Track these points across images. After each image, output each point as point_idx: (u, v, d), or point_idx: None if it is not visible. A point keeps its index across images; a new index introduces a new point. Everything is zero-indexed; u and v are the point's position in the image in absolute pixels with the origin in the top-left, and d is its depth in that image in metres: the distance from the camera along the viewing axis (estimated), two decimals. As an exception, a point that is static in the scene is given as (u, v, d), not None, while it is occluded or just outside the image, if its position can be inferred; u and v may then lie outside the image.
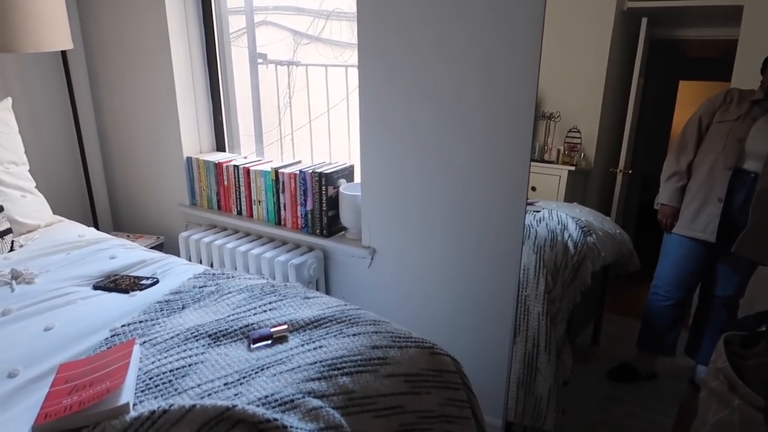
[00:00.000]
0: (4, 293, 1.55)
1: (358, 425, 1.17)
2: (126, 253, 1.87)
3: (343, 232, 2.26)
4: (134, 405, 1.09)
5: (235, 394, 1.12)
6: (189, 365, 1.21)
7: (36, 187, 2.18)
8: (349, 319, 1.41)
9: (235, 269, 2.26)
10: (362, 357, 1.30)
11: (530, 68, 1.58)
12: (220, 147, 2.66)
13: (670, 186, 2.25)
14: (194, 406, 1.03)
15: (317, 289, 2.32)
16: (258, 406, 1.08)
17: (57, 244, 1.93)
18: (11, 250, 1.90)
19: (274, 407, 1.08)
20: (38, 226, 2.10)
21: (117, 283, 1.63)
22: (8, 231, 1.92)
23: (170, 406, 1.03)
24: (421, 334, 1.42)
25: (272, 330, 1.33)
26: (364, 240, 2.13)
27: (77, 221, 2.29)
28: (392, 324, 1.42)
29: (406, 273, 2.06)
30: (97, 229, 2.30)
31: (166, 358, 1.23)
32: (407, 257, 2.03)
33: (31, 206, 2.10)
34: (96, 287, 1.63)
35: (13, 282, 1.60)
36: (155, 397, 1.11)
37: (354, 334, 1.35)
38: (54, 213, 2.25)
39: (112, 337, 1.34)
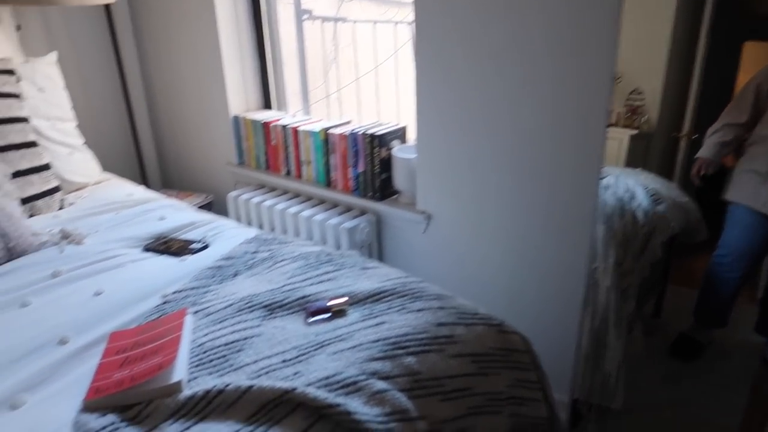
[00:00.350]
0: (53, 254, 1.51)
1: (425, 409, 1.08)
2: (175, 214, 1.81)
3: (396, 195, 2.14)
4: (188, 381, 1.02)
5: (295, 373, 1.04)
6: (244, 339, 1.13)
7: (84, 144, 2.13)
8: (412, 293, 1.30)
9: (285, 233, 2.19)
10: (428, 335, 1.20)
11: (609, 24, 1.40)
12: (267, 105, 2.56)
13: (712, 141, 2.21)
14: (251, 386, 0.95)
15: (370, 255, 2.23)
16: (319, 387, 0.99)
17: (106, 203, 1.88)
18: (60, 208, 1.86)
19: (336, 389, 1.00)
20: (87, 183, 2.06)
21: (168, 246, 1.57)
22: (56, 189, 1.88)
23: (226, 386, 0.95)
24: (478, 305, 1.31)
25: (330, 303, 1.24)
26: (419, 204, 2.02)
27: (127, 179, 2.25)
28: (457, 299, 1.31)
29: (463, 240, 1.94)
30: (147, 186, 2.25)
31: (219, 330, 1.15)
32: (465, 224, 1.91)
33: (80, 163, 2.05)
34: (146, 249, 1.57)
35: (63, 242, 1.55)
36: (209, 374, 1.04)
37: (418, 310, 1.25)
38: (103, 170, 2.21)
39: (163, 304, 1.28)
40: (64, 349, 1.13)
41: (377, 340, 1.15)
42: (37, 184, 1.81)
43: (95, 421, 0.92)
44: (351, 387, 1.01)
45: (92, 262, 1.47)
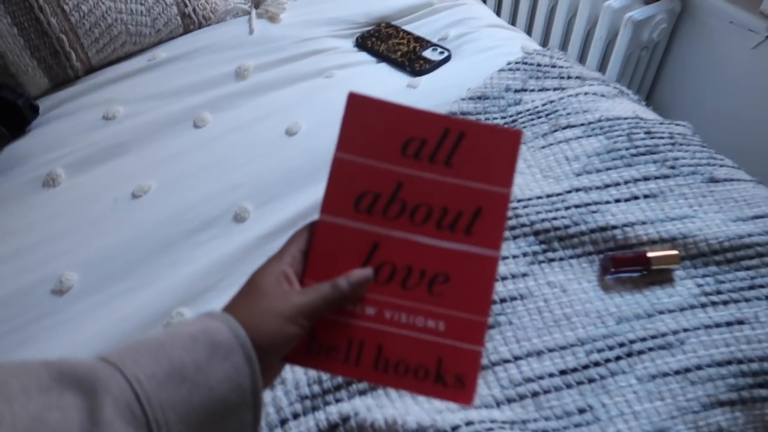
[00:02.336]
0: (240, 33, 1.07)
1: None
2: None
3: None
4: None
5: (580, 410, 0.61)
6: (501, 301, 0.68)
7: None
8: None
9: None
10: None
11: None
12: None
13: None
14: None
15: (649, 61, 1.52)
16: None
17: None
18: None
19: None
20: None
21: (390, 47, 1.05)
22: None
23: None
24: None
25: (651, 254, 0.71)
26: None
27: None
28: None
29: None
30: None
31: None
32: None
33: None
34: (359, 45, 1.07)
35: (254, 14, 1.09)
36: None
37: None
38: None
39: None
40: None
41: (729, 362, 0.65)
42: None
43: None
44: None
45: (288, 59, 1.02)
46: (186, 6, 1.06)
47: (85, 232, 0.77)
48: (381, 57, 1.04)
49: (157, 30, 1.04)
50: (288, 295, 0.41)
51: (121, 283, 0.72)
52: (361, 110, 0.46)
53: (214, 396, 0.35)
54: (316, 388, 0.62)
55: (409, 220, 0.45)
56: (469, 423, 0.58)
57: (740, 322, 0.67)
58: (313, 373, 0.63)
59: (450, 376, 0.43)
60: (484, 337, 0.44)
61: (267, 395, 0.62)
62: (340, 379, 0.63)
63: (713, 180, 0.80)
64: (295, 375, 0.63)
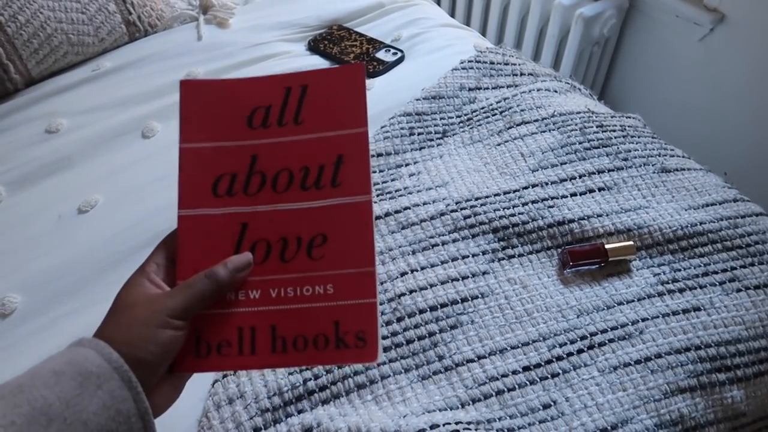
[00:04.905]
0: (188, 39, 1.04)
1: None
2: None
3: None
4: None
5: (544, 406, 0.60)
6: (462, 300, 0.68)
7: None
8: (754, 241, 0.73)
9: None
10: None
11: None
12: None
13: None
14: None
15: (601, 56, 1.55)
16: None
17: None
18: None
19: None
20: None
21: (343, 49, 1.03)
22: None
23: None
24: None
25: (609, 246, 0.71)
26: (713, -3, 1.27)
27: None
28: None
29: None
30: None
31: (425, 271, 0.70)
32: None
33: None
34: (311, 48, 1.06)
35: (201, 20, 1.07)
36: (405, 370, 0.63)
37: (759, 285, 0.70)
38: None
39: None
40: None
41: (688, 349, 0.65)
42: None
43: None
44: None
45: (238, 65, 1.00)
46: (130, 14, 1.03)
47: (28, 251, 0.74)
48: (334, 60, 1.03)
49: (101, 39, 1.00)
50: (155, 300, 0.38)
51: (67, 304, 0.68)
52: (196, 95, 0.44)
53: (90, 429, 0.33)
54: (276, 400, 0.60)
55: (273, 191, 0.43)
56: (434, 426, 0.57)
57: (696, 309, 0.68)
58: (273, 385, 0.61)
59: (350, 337, 0.41)
60: (376, 288, 0.42)
61: (226, 410, 0.60)
62: (301, 389, 0.61)
63: (665, 170, 0.81)
64: (254, 387, 0.61)
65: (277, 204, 0.43)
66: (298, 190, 0.43)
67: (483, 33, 1.63)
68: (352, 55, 1.02)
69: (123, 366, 0.35)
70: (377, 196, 0.79)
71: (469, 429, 0.57)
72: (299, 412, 0.60)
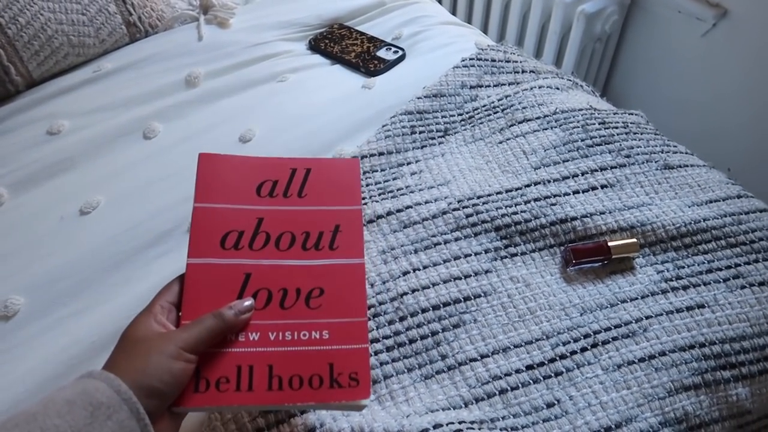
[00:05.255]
0: (189, 40, 1.04)
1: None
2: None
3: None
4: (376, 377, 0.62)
5: (548, 405, 0.60)
6: (465, 299, 0.67)
7: None
8: (758, 237, 0.73)
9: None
10: (774, 339, 0.67)
11: None
12: None
13: None
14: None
15: (603, 52, 1.54)
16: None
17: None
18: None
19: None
20: None
21: (344, 48, 1.03)
22: None
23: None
24: None
25: (606, 242, 0.71)
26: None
27: None
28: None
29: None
30: None
31: (427, 270, 0.69)
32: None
33: None
34: (312, 47, 1.05)
35: (202, 21, 1.07)
36: (408, 369, 0.63)
37: (764, 283, 0.70)
38: None
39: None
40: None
41: (692, 346, 0.65)
42: None
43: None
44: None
45: (239, 64, 0.99)
46: (131, 14, 1.03)
47: (31, 252, 0.74)
48: (335, 59, 1.02)
49: (102, 40, 1.00)
50: (167, 334, 0.41)
51: (70, 305, 0.68)
52: (212, 166, 0.51)
53: None
54: (279, 401, 0.60)
55: (276, 248, 0.48)
56: (437, 425, 0.56)
57: (700, 306, 0.68)
58: (276, 386, 0.61)
59: (344, 378, 0.45)
60: (367, 335, 0.47)
61: (227, 413, 0.60)
62: (304, 390, 0.61)
63: (668, 167, 0.81)
64: (257, 388, 0.61)
65: (280, 260, 0.48)
66: (299, 249, 0.48)
67: (484, 30, 1.63)
68: (353, 53, 1.02)
69: (132, 398, 0.37)
70: (379, 194, 0.79)
71: (473, 428, 0.57)
72: (302, 413, 0.60)
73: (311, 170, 0.51)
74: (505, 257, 0.71)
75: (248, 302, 0.45)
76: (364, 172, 0.81)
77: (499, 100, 0.90)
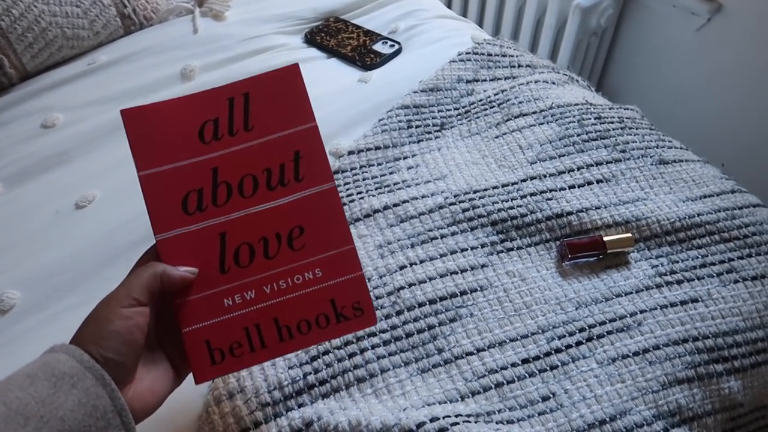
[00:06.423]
0: (184, 33, 1.04)
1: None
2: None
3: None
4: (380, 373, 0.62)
5: (544, 398, 0.61)
6: (461, 293, 0.68)
7: None
8: (751, 232, 0.74)
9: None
10: (765, 333, 0.68)
11: None
12: None
13: None
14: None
15: (598, 46, 1.55)
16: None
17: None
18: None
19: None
20: None
21: (340, 41, 1.03)
22: None
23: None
24: None
25: (601, 236, 0.72)
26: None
27: None
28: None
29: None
30: None
31: (424, 264, 0.70)
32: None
33: None
34: (308, 41, 1.05)
35: (197, 13, 1.06)
36: (405, 363, 0.63)
37: (758, 277, 0.71)
38: None
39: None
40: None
41: (685, 340, 0.66)
42: None
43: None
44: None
45: (234, 59, 0.99)
46: (125, 7, 1.02)
47: (27, 247, 0.74)
48: (331, 52, 1.02)
49: (96, 32, 0.99)
50: (116, 291, 0.42)
51: (66, 299, 0.68)
52: (141, 122, 0.46)
53: (68, 425, 0.34)
54: (276, 394, 0.61)
55: (241, 197, 0.45)
56: (434, 419, 0.57)
57: (694, 301, 0.69)
58: (273, 379, 0.61)
59: (348, 310, 0.45)
60: (359, 262, 0.46)
61: (226, 405, 0.60)
62: (301, 383, 0.61)
63: (663, 162, 0.81)
64: (254, 382, 0.62)
65: (249, 208, 0.45)
66: (265, 191, 0.45)
67: (480, 24, 1.63)
68: (349, 47, 1.02)
69: (95, 366, 0.36)
70: (375, 189, 0.79)
71: (469, 421, 0.58)
72: (299, 406, 0.60)
73: (250, 94, 0.46)
74: (501, 252, 0.72)
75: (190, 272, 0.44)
76: (361, 167, 0.81)
77: (495, 95, 0.90)
